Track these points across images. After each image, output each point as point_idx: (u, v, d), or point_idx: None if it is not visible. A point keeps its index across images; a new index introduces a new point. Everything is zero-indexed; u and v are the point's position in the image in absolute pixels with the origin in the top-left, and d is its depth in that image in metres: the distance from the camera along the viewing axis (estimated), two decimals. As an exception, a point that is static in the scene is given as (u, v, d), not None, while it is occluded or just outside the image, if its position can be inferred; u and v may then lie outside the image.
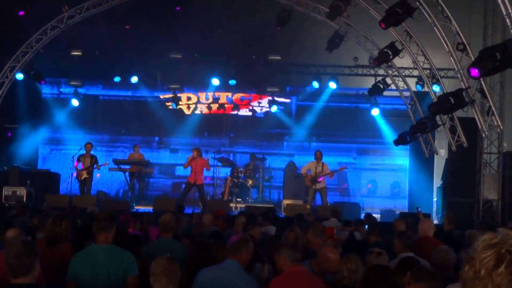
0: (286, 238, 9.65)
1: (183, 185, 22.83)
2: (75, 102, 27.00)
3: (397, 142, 23.63)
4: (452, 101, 17.44)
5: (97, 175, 22.23)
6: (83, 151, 22.13)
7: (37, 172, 24.28)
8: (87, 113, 27.76)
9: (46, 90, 28.13)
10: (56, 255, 7.70)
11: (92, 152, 22.26)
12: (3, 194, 21.33)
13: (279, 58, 26.12)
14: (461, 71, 17.30)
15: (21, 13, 21.08)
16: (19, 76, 24.67)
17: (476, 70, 14.19)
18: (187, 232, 11.95)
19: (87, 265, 6.87)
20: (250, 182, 23.92)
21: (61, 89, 28.17)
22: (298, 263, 6.93)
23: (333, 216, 15.26)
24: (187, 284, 6.85)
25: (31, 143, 27.15)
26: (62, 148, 27.71)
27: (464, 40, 17.08)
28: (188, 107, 28.15)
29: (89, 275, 6.83)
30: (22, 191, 21.42)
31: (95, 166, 21.95)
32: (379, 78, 24.95)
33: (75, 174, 22.41)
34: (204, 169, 21.85)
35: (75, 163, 22.10)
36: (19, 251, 5.51)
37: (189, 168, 21.74)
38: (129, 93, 28.28)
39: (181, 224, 13.48)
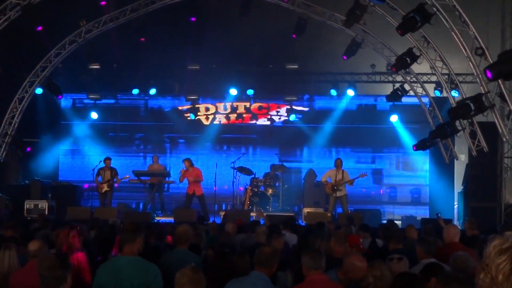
0: (312, 245, 9.62)
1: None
2: (94, 115, 27.15)
3: (417, 147, 23.53)
4: (472, 106, 17.36)
5: (115, 184, 22.25)
6: (103, 165, 22.26)
7: (58, 185, 24.44)
8: (106, 124, 27.86)
9: (65, 104, 28.24)
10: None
11: (112, 165, 22.40)
12: (25, 208, 21.52)
13: (296, 67, 26.17)
14: (480, 75, 17.20)
15: (39, 28, 21.24)
16: (39, 90, 24.88)
17: (492, 72, 14.15)
18: (211, 242, 11.96)
19: (111, 276, 6.86)
20: (270, 191, 23.91)
21: (80, 103, 28.26)
22: (320, 271, 6.89)
23: (348, 223, 15.24)
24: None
25: (52, 156, 27.35)
26: (82, 160, 27.82)
27: (482, 44, 16.99)
28: (207, 118, 28.20)
29: (113, 286, 6.82)
30: (44, 205, 21.60)
31: (115, 179, 22.06)
32: (397, 85, 24.87)
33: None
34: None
35: (96, 177, 22.23)
36: (52, 263, 5.58)
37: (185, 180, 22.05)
38: (147, 103, 28.33)
39: (203, 234, 13.48)
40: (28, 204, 21.65)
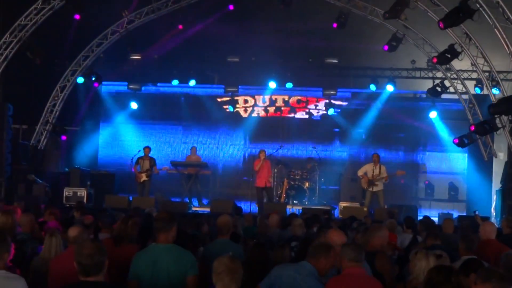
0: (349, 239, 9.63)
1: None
2: (134, 105, 27.35)
3: (458, 142, 23.19)
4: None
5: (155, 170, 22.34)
6: (142, 154, 22.43)
7: (97, 173, 24.69)
8: (145, 114, 28.05)
9: (106, 93, 28.46)
10: (121, 254, 7.80)
11: (150, 154, 22.57)
12: (64, 195, 21.78)
13: (336, 61, 26.07)
14: (521, 73, 17.05)
15: (77, 16, 21.42)
16: (80, 79, 25.16)
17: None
18: (250, 233, 12.03)
19: (148, 264, 6.94)
20: (306, 184, 23.94)
21: (121, 92, 28.45)
22: (360, 264, 6.91)
23: (389, 218, 15.16)
24: (248, 284, 6.90)
25: (91, 145, 27.64)
26: (121, 149, 28.04)
27: (525, 41, 16.84)
28: (245, 110, 28.27)
29: (150, 274, 6.90)
30: (82, 192, 21.87)
31: (153, 169, 22.22)
32: (437, 81, 24.67)
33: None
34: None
35: (135, 166, 22.42)
36: (91, 251, 5.68)
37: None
38: (186, 95, 28.45)
39: (239, 225, 13.58)
40: (67, 192, 21.93)
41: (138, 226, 8.91)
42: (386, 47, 23.21)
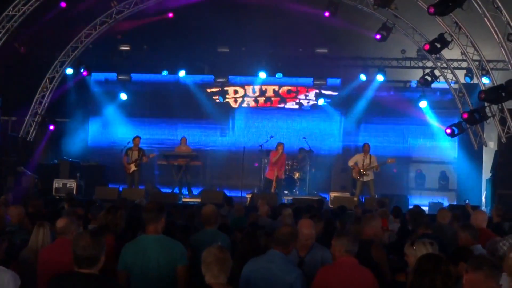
0: (340, 229, 9.63)
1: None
2: (123, 96, 27.30)
3: (446, 129, 23.16)
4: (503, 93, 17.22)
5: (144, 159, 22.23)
6: (131, 145, 22.35)
7: (87, 165, 24.63)
8: (135, 105, 27.97)
9: (95, 84, 28.36)
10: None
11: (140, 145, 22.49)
12: (54, 187, 21.73)
13: (326, 51, 26.03)
14: (511, 62, 17.06)
15: (63, 4, 21.30)
16: (69, 71, 25.06)
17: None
18: (236, 223, 12.00)
19: (138, 255, 6.95)
20: (297, 174, 23.94)
21: (110, 83, 28.35)
22: (350, 254, 6.90)
23: (380, 207, 15.17)
24: (237, 273, 6.89)
25: (81, 136, 27.55)
26: (111, 140, 27.97)
27: (515, 30, 16.85)
28: (235, 101, 28.23)
29: (140, 264, 6.91)
30: (72, 184, 21.85)
31: (142, 159, 22.13)
32: (427, 71, 24.69)
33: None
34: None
35: (124, 157, 22.34)
36: (86, 244, 5.67)
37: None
38: (176, 85, 28.33)
39: (230, 215, 13.57)
40: (57, 183, 21.90)
41: (124, 216, 8.89)
42: (379, 36, 23.12)
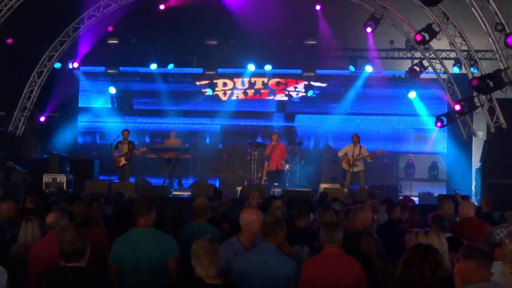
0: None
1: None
2: (112, 90, 27.25)
3: (437, 123, 23.20)
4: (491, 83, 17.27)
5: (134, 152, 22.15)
6: (121, 138, 22.28)
7: (76, 159, 24.55)
8: (123, 99, 27.92)
9: (84, 78, 28.30)
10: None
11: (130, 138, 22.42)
12: (44, 181, 21.66)
13: (315, 42, 26.03)
14: (499, 51, 17.11)
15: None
16: (57, 65, 24.98)
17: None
18: (224, 216, 12.00)
19: (128, 249, 6.93)
20: (287, 166, 23.92)
21: (98, 77, 28.29)
22: (335, 245, 6.90)
23: (370, 198, 15.17)
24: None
25: (70, 131, 27.45)
26: (100, 134, 27.94)
27: (502, 20, 16.88)
28: (224, 93, 28.20)
29: (130, 258, 6.90)
30: (62, 178, 21.76)
31: (133, 152, 22.07)
32: (416, 61, 24.74)
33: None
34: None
35: (113, 150, 22.27)
36: (72, 237, 5.67)
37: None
38: (165, 78, 28.25)
39: (220, 208, 13.56)
40: (47, 178, 21.80)
41: (102, 208, 8.87)
42: (369, 28, 23.09)
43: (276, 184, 22.83)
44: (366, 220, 8.76)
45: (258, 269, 6.72)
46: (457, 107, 21.20)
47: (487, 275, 5.24)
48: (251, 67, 26.34)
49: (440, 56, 24.00)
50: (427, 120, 25.79)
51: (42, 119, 25.22)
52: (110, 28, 24.96)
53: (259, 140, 25.11)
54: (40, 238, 7.86)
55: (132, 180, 22.27)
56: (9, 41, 21.87)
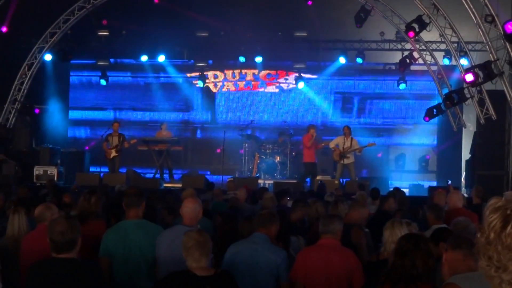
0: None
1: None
2: (103, 82, 27.19)
3: (428, 117, 23.22)
4: (481, 74, 17.29)
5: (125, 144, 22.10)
6: (111, 130, 22.26)
7: (67, 152, 24.53)
8: (115, 91, 27.90)
9: (74, 71, 28.25)
10: (89, 231, 7.76)
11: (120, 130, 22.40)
12: (35, 174, 21.63)
13: (305, 34, 26.00)
14: (489, 43, 17.16)
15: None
16: (48, 57, 24.90)
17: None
18: (216, 208, 12.02)
19: (119, 241, 6.97)
20: (278, 158, 23.96)
21: (89, 69, 28.23)
22: (331, 235, 6.95)
23: (360, 190, 15.23)
24: (219, 257, 6.92)
25: (61, 123, 27.39)
26: (91, 126, 27.93)
27: (492, 11, 16.91)
28: (215, 85, 28.20)
29: (122, 250, 6.94)
30: (53, 171, 21.74)
31: (124, 144, 22.04)
32: (406, 53, 24.77)
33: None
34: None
35: (104, 143, 22.25)
36: (63, 228, 5.66)
37: None
38: (156, 70, 28.22)
39: (210, 200, 13.58)
40: (37, 170, 21.78)
41: (101, 201, 8.87)
42: (358, 26, 23.12)
43: (266, 176, 22.86)
44: (361, 217, 8.85)
45: (249, 256, 6.79)
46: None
47: (475, 265, 5.27)
48: (241, 59, 26.31)
49: (430, 48, 24.02)
50: (417, 112, 25.81)
51: (36, 111, 25.14)
52: (104, 22, 24.85)
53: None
54: (31, 230, 7.85)
55: (123, 171, 22.25)
56: (4, 29, 21.77)
